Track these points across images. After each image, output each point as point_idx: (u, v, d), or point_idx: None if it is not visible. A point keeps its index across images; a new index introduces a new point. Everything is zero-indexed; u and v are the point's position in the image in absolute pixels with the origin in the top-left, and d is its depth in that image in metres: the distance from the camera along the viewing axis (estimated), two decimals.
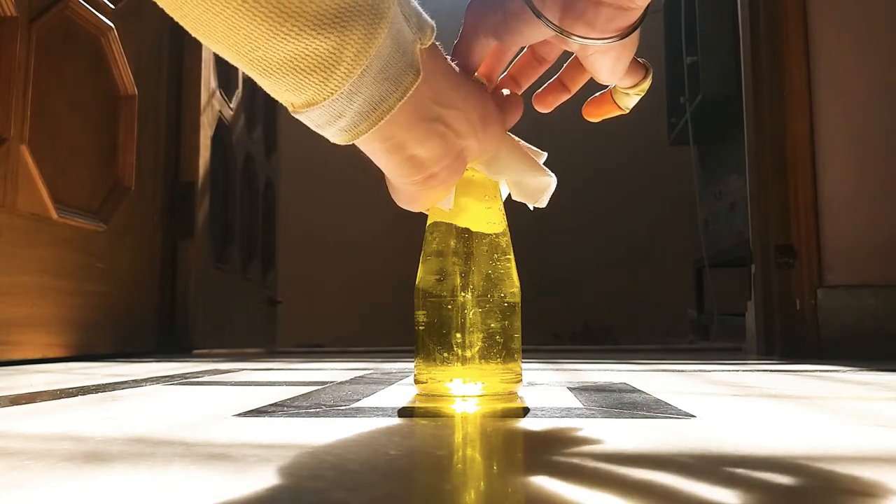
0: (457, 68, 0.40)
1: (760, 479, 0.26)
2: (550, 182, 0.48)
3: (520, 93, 0.50)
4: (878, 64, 1.27)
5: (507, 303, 0.50)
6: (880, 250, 1.23)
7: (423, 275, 0.51)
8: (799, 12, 1.28)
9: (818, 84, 1.27)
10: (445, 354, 0.49)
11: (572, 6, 0.37)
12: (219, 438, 0.35)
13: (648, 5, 0.38)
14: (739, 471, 0.27)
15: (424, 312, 0.50)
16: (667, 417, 0.41)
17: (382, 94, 0.33)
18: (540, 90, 0.49)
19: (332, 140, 0.36)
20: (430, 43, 0.36)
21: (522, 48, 0.47)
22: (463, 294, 0.49)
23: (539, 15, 0.38)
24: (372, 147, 0.37)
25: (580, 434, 0.35)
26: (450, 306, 0.49)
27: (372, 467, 0.28)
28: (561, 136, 2.74)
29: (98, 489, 0.24)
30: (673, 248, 2.74)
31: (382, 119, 0.34)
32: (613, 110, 0.48)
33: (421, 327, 0.51)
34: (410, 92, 0.34)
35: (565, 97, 0.49)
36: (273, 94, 0.33)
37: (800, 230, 1.25)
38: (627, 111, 0.48)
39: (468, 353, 0.49)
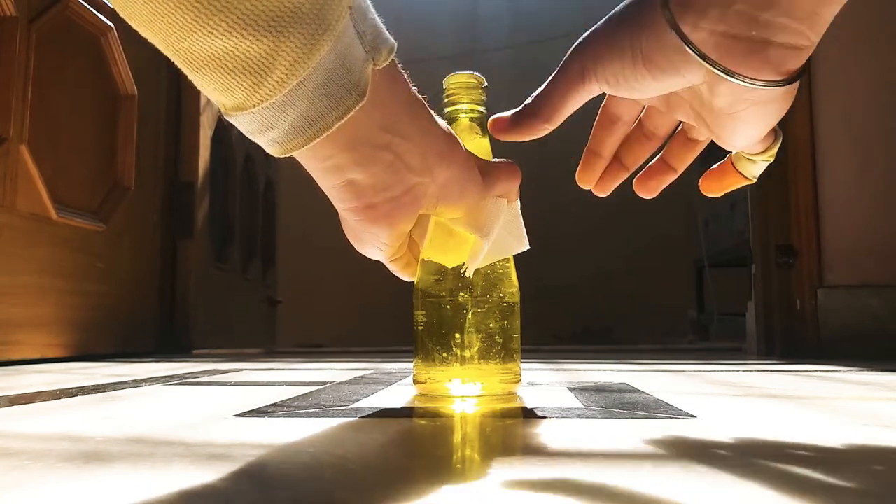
0: (423, 103, 0.36)
1: (760, 480, 0.26)
2: (483, 250, 0.45)
3: (627, 174, 0.44)
4: (879, 64, 1.27)
5: (506, 303, 0.50)
6: (880, 250, 1.23)
7: (423, 275, 0.51)
8: None
9: (819, 84, 1.27)
10: (444, 355, 0.49)
11: (732, 47, 0.31)
12: (219, 438, 0.34)
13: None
14: (739, 471, 0.27)
15: (423, 312, 0.50)
16: (667, 417, 0.41)
17: (320, 112, 0.31)
18: (641, 173, 0.44)
19: (267, 150, 0.34)
20: (385, 64, 0.33)
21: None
22: (462, 294, 0.49)
23: (703, 57, 0.31)
24: (309, 164, 0.35)
25: (580, 434, 0.35)
26: (449, 306, 0.49)
27: (372, 467, 0.28)
28: (561, 137, 2.75)
29: (98, 489, 0.24)
30: (673, 248, 2.74)
31: (318, 137, 0.32)
32: (739, 181, 0.41)
33: (420, 327, 0.51)
34: (351, 114, 0.31)
35: (671, 179, 0.43)
36: (203, 91, 0.32)
37: (800, 230, 1.25)
38: (755, 180, 0.41)
39: (467, 354, 0.49)
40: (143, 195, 1.46)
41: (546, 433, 0.36)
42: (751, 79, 0.31)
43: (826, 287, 1.23)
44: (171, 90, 1.59)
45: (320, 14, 0.28)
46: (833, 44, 1.28)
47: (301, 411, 0.45)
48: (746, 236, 1.46)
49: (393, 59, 0.34)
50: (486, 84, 0.52)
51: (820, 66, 1.27)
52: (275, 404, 0.49)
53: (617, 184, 0.44)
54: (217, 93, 0.30)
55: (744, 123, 0.34)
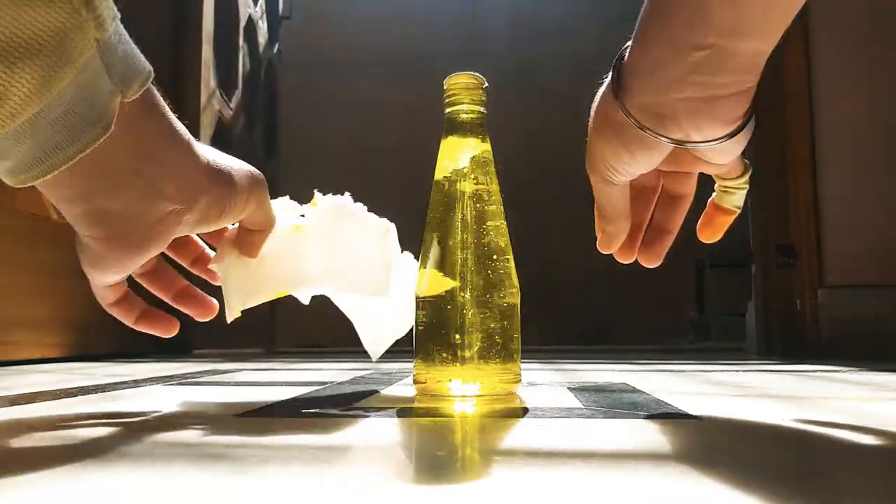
0: (183, 132, 0.37)
1: (760, 480, 0.26)
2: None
3: (671, 237, 0.48)
4: (879, 63, 1.27)
5: (506, 303, 0.50)
6: (880, 250, 1.23)
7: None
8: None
9: (818, 83, 1.27)
10: (444, 355, 0.49)
11: (688, 110, 0.34)
12: (219, 438, 0.34)
13: (757, 86, 0.34)
14: (739, 471, 0.27)
15: (423, 312, 0.50)
16: (667, 417, 0.41)
17: (59, 143, 0.30)
18: (640, 246, 0.48)
19: (4, 180, 0.33)
20: (136, 96, 0.32)
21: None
22: (462, 294, 0.49)
23: (660, 135, 0.35)
24: (51, 193, 0.34)
25: (580, 434, 0.35)
26: (449, 307, 0.49)
27: (371, 467, 0.28)
28: (562, 137, 2.75)
29: (98, 489, 0.24)
30: (673, 247, 2.74)
31: (57, 169, 0.31)
32: (728, 216, 0.46)
33: (420, 328, 0.51)
34: (94, 146, 0.31)
35: (670, 241, 0.48)
36: None
37: (800, 230, 1.25)
38: (739, 210, 0.45)
39: (467, 354, 0.49)
40: None
41: (546, 433, 0.36)
42: (701, 142, 0.35)
43: (826, 287, 1.23)
44: (170, 90, 1.59)
45: (60, 47, 0.28)
46: (833, 44, 1.28)
47: (301, 411, 0.45)
48: (747, 236, 1.46)
49: (150, 88, 0.34)
50: (486, 84, 0.52)
51: (820, 67, 1.27)
52: (275, 404, 0.49)
53: (666, 248, 0.48)
54: None
55: (714, 153, 0.38)
